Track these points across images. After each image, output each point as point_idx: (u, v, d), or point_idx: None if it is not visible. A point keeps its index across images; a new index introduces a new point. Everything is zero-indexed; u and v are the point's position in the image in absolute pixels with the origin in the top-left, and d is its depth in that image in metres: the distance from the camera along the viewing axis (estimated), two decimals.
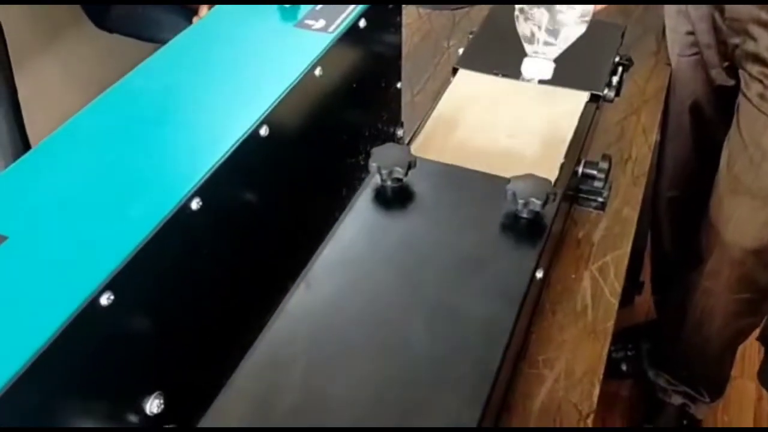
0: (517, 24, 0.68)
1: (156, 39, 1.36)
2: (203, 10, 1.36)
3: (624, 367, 1.35)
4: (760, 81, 0.82)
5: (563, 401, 0.57)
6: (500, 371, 0.41)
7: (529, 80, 0.68)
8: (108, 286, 0.36)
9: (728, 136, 0.90)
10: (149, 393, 0.42)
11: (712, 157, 0.95)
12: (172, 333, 0.42)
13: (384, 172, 0.52)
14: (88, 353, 0.36)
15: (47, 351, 0.33)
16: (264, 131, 0.47)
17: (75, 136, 0.45)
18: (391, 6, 0.63)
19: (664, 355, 1.20)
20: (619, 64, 0.74)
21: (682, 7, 0.91)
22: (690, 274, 1.02)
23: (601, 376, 0.59)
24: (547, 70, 0.67)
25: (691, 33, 0.91)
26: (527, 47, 0.68)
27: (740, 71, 0.87)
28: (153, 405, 0.42)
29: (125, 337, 0.39)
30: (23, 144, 1.05)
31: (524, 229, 0.50)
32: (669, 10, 0.95)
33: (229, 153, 0.44)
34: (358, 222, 0.51)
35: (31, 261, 0.37)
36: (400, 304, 0.45)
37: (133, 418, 0.41)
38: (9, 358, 0.32)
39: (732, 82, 0.91)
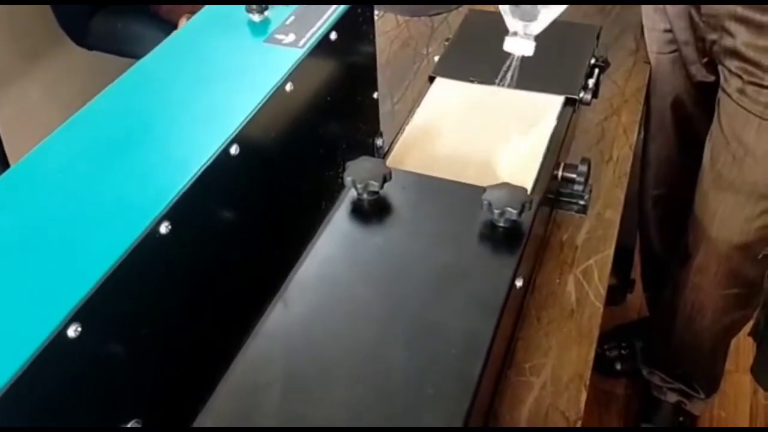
0: (504, 12, 0.65)
1: (136, 54, 1.36)
2: (182, 22, 1.35)
3: (618, 366, 1.35)
4: (739, 76, 0.81)
5: (550, 408, 0.57)
6: (480, 383, 0.41)
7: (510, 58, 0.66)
8: (75, 317, 0.35)
9: (710, 132, 0.90)
10: (126, 421, 0.41)
11: (695, 153, 0.95)
12: (146, 360, 0.42)
13: (359, 185, 0.51)
14: (59, 385, 0.35)
15: (16, 383, 0.32)
16: (234, 150, 0.46)
17: (43, 163, 0.44)
18: (361, 17, 0.63)
19: (657, 352, 1.20)
20: (595, 66, 0.74)
21: (659, 5, 0.91)
22: (679, 270, 1.02)
23: (588, 382, 0.59)
24: (529, 48, 0.65)
25: (669, 30, 0.91)
26: (509, 22, 0.65)
27: (719, 67, 0.86)
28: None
29: (97, 367, 0.38)
30: (2, 165, 1.04)
31: (502, 237, 0.50)
32: (646, 8, 0.95)
33: (198, 174, 0.43)
34: (335, 237, 0.50)
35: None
36: (379, 320, 0.45)
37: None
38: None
39: (712, 78, 0.92)
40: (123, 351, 0.40)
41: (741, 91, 0.82)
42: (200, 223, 0.44)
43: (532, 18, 0.59)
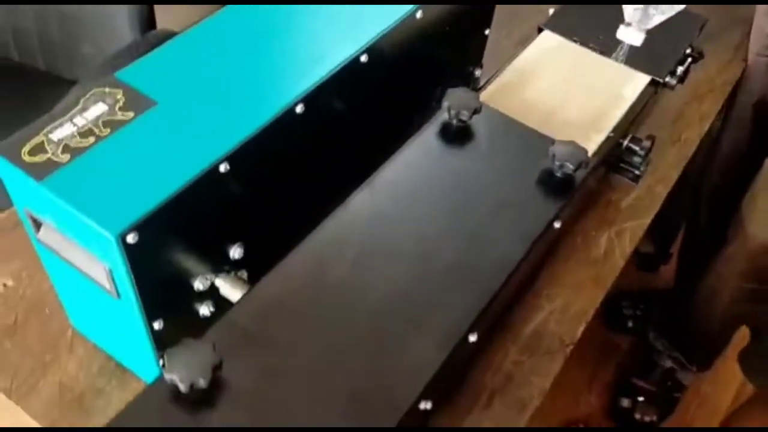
0: None
1: None
2: None
3: (630, 324, 1.45)
4: None
5: (551, 331, 0.69)
6: (498, 293, 0.52)
7: (620, 44, 0.73)
8: (228, 158, 0.48)
9: None
10: (233, 242, 0.55)
11: (763, 155, 1.01)
12: (262, 202, 0.55)
13: (452, 112, 0.62)
14: (199, 205, 0.48)
15: (176, 198, 0.45)
16: (365, 58, 0.57)
17: (213, 31, 0.56)
18: None
19: (668, 321, 1.30)
20: (689, 55, 0.80)
21: None
22: (713, 256, 1.10)
23: (590, 318, 0.70)
24: (638, 39, 0.73)
25: None
26: (627, 13, 0.72)
27: None
28: (235, 252, 0.55)
29: (227, 199, 0.51)
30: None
31: (556, 185, 0.60)
32: (759, 9, 0.98)
33: (333, 72, 0.54)
34: (421, 148, 0.61)
35: (173, 126, 0.49)
36: (438, 223, 0.56)
37: (220, 260, 0.55)
38: (147, 198, 0.44)
39: None
40: (248, 192, 0.52)
41: None
42: (328, 111, 0.56)
43: (649, 17, 0.66)
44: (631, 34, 0.69)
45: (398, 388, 0.47)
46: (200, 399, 0.44)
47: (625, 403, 1.35)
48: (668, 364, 1.31)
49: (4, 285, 0.66)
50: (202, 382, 0.43)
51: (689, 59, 0.81)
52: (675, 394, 1.35)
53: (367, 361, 0.48)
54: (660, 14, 0.66)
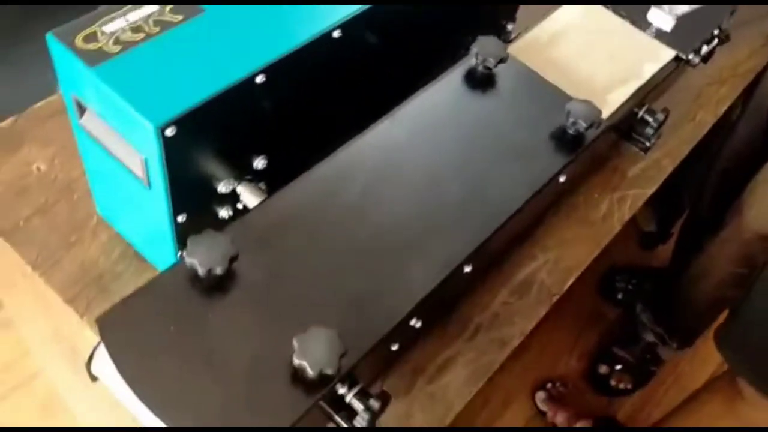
0: None
1: None
2: None
3: (620, 296, 1.50)
4: None
5: (541, 279, 0.73)
6: (498, 230, 0.56)
7: (650, 27, 0.75)
8: (264, 71, 0.51)
9: None
10: (258, 154, 0.59)
11: None
12: (290, 120, 0.58)
13: (479, 58, 0.65)
14: (233, 111, 0.52)
15: (214, 100, 0.49)
16: None
17: None
18: None
19: (656, 297, 1.34)
20: (715, 36, 0.82)
21: None
22: (708, 237, 1.14)
23: (579, 274, 0.74)
24: (668, 24, 0.75)
25: None
26: None
27: None
28: (259, 163, 0.59)
29: (259, 110, 0.55)
30: None
31: (566, 141, 0.63)
32: None
33: (370, 6, 0.57)
34: (445, 89, 0.65)
35: (218, 34, 0.52)
36: (451, 160, 0.60)
37: (244, 168, 0.58)
38: (188, 97, 0.48)
39: None
40: (277, 106, 0.56)
41: None
42: (362, 43, 0.59)
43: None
44: (661, 18, 0.71)
45: (393, 302, 0.51)
46: (214, 285, 0.49)
47: (603, 369, 1.40)
48: (650, 338, 1.36)
49: (38, 168, 0.70)
50: (218, 270, 0.48)
51: (715, 40, 0.83)
52: (652, 367, 1.40)
53: (367, 275, 0.52)
54: (696, 3, 0.67)
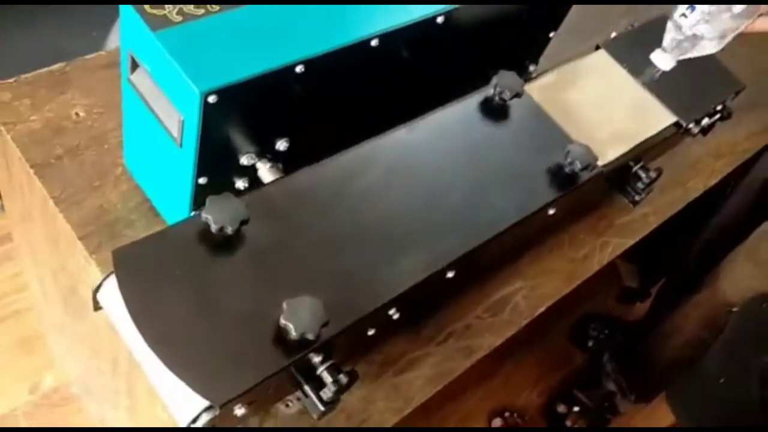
0: (669, 21, 0.76)
1: None
2: None
3: (590, 343, 1.56)
4: None
5: (517, 303, 0.78)
6: (484, 244, 0.62)
7: (653, 66, 0.80)
8: (304, 63, 0.57)
9: None
10: (283, 136, 0.64)
11: (757, 227, 1.09)
12: (318, 111, 0.64)
13: (497, 89, 0.70)
14: (271, 93, 0.57)
15: (256, 80, 0.54)
16: (440, 20, 0.65)
17: None
18: None
19: (624, 349, 1.40)
20: (718, 111, 0.88)
21: None
22: (685, 298, 1.20)
23: (550, 304, 0.79)
24: (668, 65, 0.79)
25: None
26: (666, 40, 0.78)
27: None
28: (281, 145, 0.64)
29: (293, 97, 0.60)
30: None
31: (561, 178, 0.69)
32: None
33: (409, 22, 0.63)
34: (462, 110, 0.70)
35: (271, 22, 0.58)
36: (454, 174, 0.65)
37: (267, 147, 0.64)
38: (233, 72, 0.53)
39: None
40: (309, 96, 0.61)
41: None
42: (396, 57, 0.65)
43: (683, 50, 0.73)
44: (663, 59, 0.75)
45: (378, 288, 0.56)
46: (222, 243, 0.54)
47: (561, 408, 1.45)
48: (612, 387, 1.41)
49: (77, 114, 0.76)
50: (229, 229, 0.53)
51: (717, 115, 0.89)
52: (608, 415, 1.45)
53: (361, 259, 0.57)
54: (697, 52, 0.73)
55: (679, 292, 1.27)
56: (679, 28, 0.71)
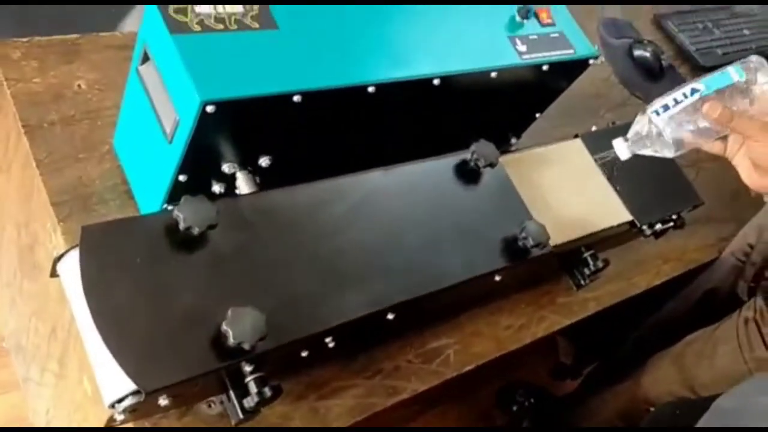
0: (640, 114, 0.78)
1: None
2: None
3: (514, 408, 1.60)
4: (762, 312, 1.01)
5: (446, 356, 0.82)
6: (427, 295, 0.66)
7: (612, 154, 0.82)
8: (302, 94, 0.61)
9: (711, 329, 1.10)
10: (267, 154, 0.68)
11: (689, 332, 1.15)
12: (306, 139, 0.68)
13: (474, 155, 0.75)
14: (265, 114, 0.61)
15: (254, 100, 0.58)
16: (437, 81, 0.70)
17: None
18: (581, 68, 0.84)
19: (545, 420, 1.44)
20: (672, 220, 0.94)
21: None
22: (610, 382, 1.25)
23: (479, 364, 0.83)
24: (625, 154, 0.79)
25: (751, 248, 1.10)
26: (632, 130, 0.78)
27: (758, 299, 1.05)
28: (263, 161, 0.68)
29: (285, 121, 0.64)
30: None
31: (513, 249, 0.73)
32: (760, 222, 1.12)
33: (406, 78, 0.67)
34: (437, 167, 0.75)
35: (280, 50, 0.62)
36: (415, 223, 0.69)
37: (249, 160, 0.67)
38: (235, 88, 0.57)
39: (746, 299, 1.10)
40: (297, 121, 0.65)
41: (758, 319, 1.01)
42: (387, 106, 0.69)
43: (641, 146, 0.76)
44: (621, 148, 0.78)
45: (321, 314, 0.60)
46: (186, 241, 0.57)
47: None
48: None
49: (79, 86, 0.79)
50: (196, 230, 0.56)
51: (671, 223, 0.95)
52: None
53: (311, 283, 0.61)
54: (653, 152, 0.76)
55: (604, 377, 1.32)
56: (645, 122, 0.75)
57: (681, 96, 0.73)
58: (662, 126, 0.73)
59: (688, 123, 0.73)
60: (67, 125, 0.76)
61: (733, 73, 0.73)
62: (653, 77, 1.30)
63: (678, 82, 1.35)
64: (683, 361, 1.07)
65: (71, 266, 0.59)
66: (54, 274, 0.61)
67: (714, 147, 0.75)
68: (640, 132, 0.76)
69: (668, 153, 0.75)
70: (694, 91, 0.73)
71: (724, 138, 0.74)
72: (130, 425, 0.63)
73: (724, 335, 1.05)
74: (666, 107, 0.73)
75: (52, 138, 0.74)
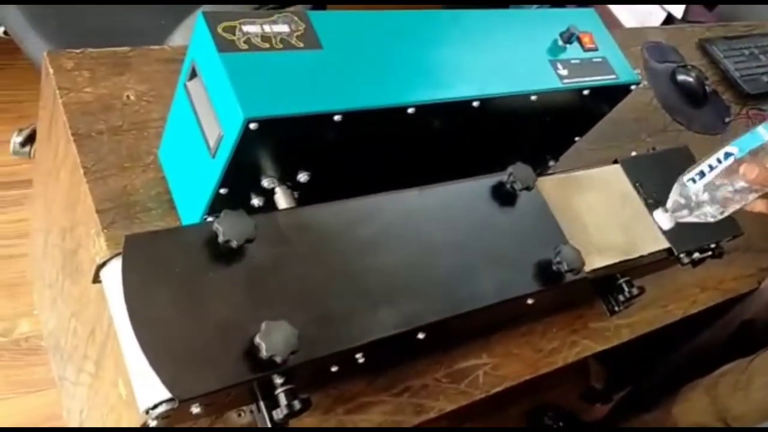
0: (677, 184, 0.80)
1: None
2: None
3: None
4: None
5: (476, 376, 0.82)
6: (457, 317, 0.66)
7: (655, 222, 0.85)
8: (343, 114, 0.62)
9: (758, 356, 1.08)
10: (306, 170, 0.69)
11: (725, 362, 1.13)
12: (344, 155, 0.69)
13: (511, 178, 0.75)
14: (307, 132, 0.62)
15: (296, 119, 0.59)
16: (476, 104, 0.71)
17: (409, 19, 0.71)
18: (622, 93, 0.84)
19: None
20: (711, 249, 0.93)
21: None
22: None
23: (508, 386, 0.83)
24: (668, 225, 0.84)
25: None
26: (670, 198, 0.82)
27: None
28: (302, 176, 0.69)
29: (325, 139, 0.65)
30: None
31: (547, 274, 0.73)
32: None
33: (446, 100, 0.68)
34: (473, 188, 0.75)
35: (323, 71, 0.63)
36: (449, 244, 0.70)
37: (288, 175, 0.68)
38: (279, 107, 0.58)
39: None
40: (341, 144, 0.66)
41: None
42: (427, 127, 0.70)
43: (687, 215, 0.77)
44: (663, 219, 0.81)
45: (352, 331, 0.61)
46: (225, 253, 0.59)
47: None
48: None
49: (128, 97, 0.81)
50: (234, 243, 0.58)
51: (709, 252, 0.94)
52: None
53: (344, 300, 0.62)
54: (696, 218, 0.78)
55: (635, 404, 1.30)
56: (683, 191, 0.76)
57: (715, 161, 0.75)
58: (700, 193, 0.74)
59: (725, 186, 0.74)
60: (115, 135, 0.78)
61: (763, 132, 0.74)
62: (696, 103, 1.29)
63: (721, 108, 1.35)
64: (717, 391, 1.06)
65: (113, 273, 0.60)
66: (96, 280, 0.63)
67: (756, 206, 0.76)
68: (679, 201, 0.77)
69: (711, 218, 0.76)
70: (727, 155, 0.74)
71: (765, 195, 0.74)
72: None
73: (761, 367, 1.03)
74: (702, 174, 0.75)
75: (99, 147, 0.76)
